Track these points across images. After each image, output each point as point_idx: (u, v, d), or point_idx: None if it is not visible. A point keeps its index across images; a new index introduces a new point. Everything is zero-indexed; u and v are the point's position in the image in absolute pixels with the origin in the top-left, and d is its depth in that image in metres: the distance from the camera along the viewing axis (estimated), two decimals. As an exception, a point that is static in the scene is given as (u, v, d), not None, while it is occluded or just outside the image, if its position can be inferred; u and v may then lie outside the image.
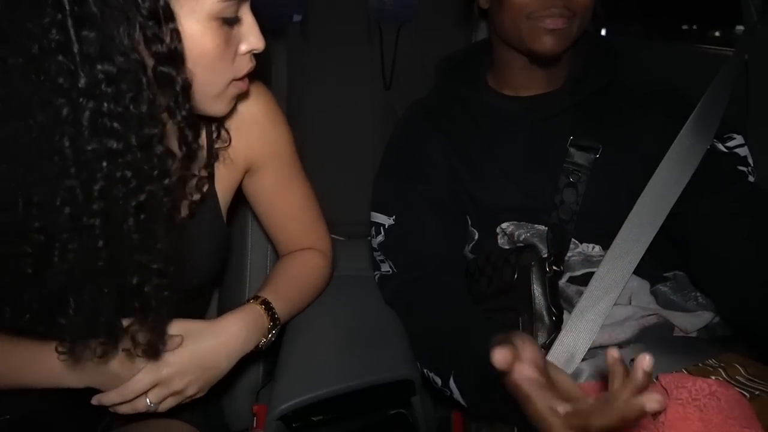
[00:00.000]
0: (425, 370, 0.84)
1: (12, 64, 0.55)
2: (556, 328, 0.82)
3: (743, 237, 0.81)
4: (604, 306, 0.80)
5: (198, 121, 0.77)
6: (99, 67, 0.55)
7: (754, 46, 1.00)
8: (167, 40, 0.58)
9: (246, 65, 0.70)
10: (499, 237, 0.93)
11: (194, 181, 0.78)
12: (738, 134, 0.88)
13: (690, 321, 0.85)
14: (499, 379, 0.56)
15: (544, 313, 0.83)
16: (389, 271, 0.96)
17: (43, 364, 0.71)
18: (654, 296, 0.88)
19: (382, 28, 1.84)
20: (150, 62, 0.59)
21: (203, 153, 0.79)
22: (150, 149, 0.59)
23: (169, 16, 0.58)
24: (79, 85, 0.54)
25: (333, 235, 1.04)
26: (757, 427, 0.67)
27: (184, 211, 0.77)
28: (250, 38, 0.68)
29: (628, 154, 0.89)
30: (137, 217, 0.59)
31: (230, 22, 0.65)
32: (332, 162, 1.72)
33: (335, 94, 1.77)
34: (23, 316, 0.67)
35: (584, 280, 0.84)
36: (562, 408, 0.51)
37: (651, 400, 0.46)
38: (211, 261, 0.84)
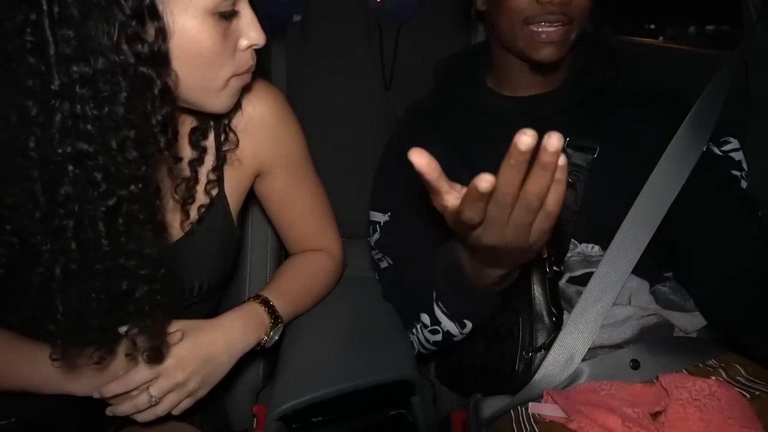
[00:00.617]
0: (416, 325, 0.85)
1: None
2: (556, 328, 0.82)
3: (729, 243, 0.82)
4: (604, 306, 0.80)
5: (206, 124, 0.77)
6: (74, 68, 0.53)
7: (754, 46, 1.00)
8: (150, 39, 0.57)
9: (247, 60, 0.69)
10: (498, 237, 0.93)
11: (202, 185, 0.77)
12: (734, 138, 0.88)
13: (690, 321, 0.85)
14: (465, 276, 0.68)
15: (544, 313, 0.83)
16: (387, 266, 0.96)
17: (41, 371, 0.72)
18: (654, 296, 0.88)
19: (382, 28, 1.83)
20: (132, 62, 0.57)
21: (211, 156, 0.79)
22: (123, 153, 0.57)
23: (155, 14, 0.57)
24: (52, 87, 0.53)
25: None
26: (757, 427, 0.68)
27: (193, 215, 0.77)
28: (250, 33, 0.67)
29: (626, 155, 0.89)
30: (108, 221, 0.58)
31: (228, 16, 0.63)
32: (332, 162, 1.72)
33: (335, 94, 1.77)
34: (14, 321, 0.67)
35: (584, 280, 0.84)
36: (451, 200, 0.58)
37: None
38: (221, 265, 0.83)
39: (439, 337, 0.83)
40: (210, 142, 0.79)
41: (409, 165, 0.96)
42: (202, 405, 0.84)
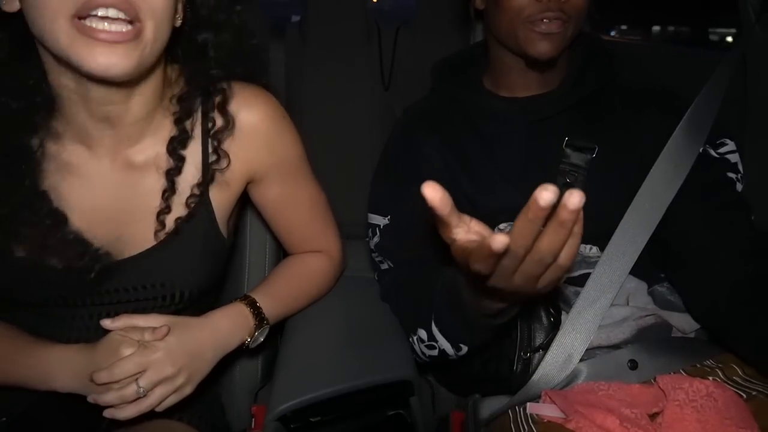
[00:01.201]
0: (413, 337, 0.85)
1: None
2: (554, 328, 0.82)
3: (720, 245, 0.82)
4: (601, 306, 0.80)
5: (185, 134, 0.76)
6: None
7: (752, 47, 1.00)
8: None
9: None
10: (497, 238, 0.93)
11: (183, 197, 0.76)
12: (731, 140, 0.88)
13: (688, 321, 0.85)
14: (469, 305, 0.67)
15: (542, 313, 0.83)
16: (387, 268, 0.96)
17: (30, 364, 0.73)
18: (652, 297, 0.88)
19: (381, 29, 1.84)
20: None
21: (194, 168, 0.77)
22: None
23: None
24: None
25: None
26: (753, 428, 0.68)
27: (169, 225, 0.76)
28: None
29: (625, 155, 0.89)
30: None
31: None
32: (330, 162, 1.72)
33: (333, 95, 1.77)
34: None
35: (582, 280, 0.84)
36: (460, 234, 0.57)
37: (496, 241, 0.49)
38: (205, 273, 0.82)
39: (435, 352, 0.83)
40: (194, 153, 0.77)
41: (407, 167, 0.97)
42: (197, 404, 0.85)
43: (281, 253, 1.03)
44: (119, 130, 0.73)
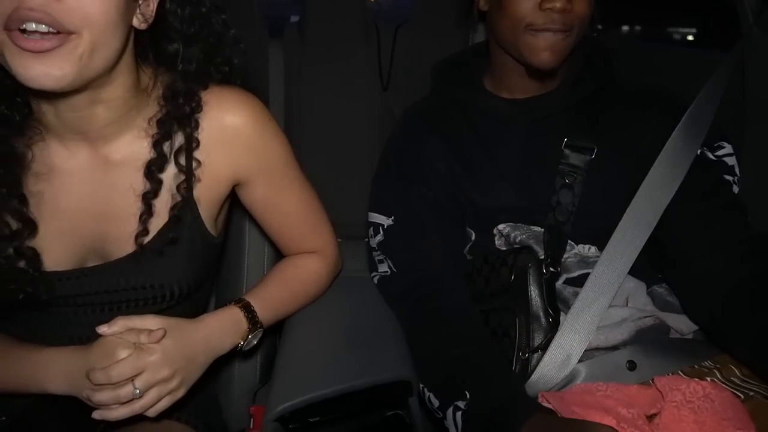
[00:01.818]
0: (423, 387, 0.83)
1: None
2: (552, 329, 0.82)
3: (715, 247, 0.82)
4: (600, 307, 0.80)
5: (162, 159, 0.75)
6: None
7: (750, 48, 1.00)
8: None
9: (9, 6, 0.58)
10: (496, 238, 0.94)
11: (165, 202, 0.76)
12: (728, 143, 0.89)
13: (686, 322, 0.85)
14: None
15: (541, 314, 0.83)
16: (388, 272, 0.96)
17: (23, 368, 0.73)
18: (651, 297, 0.88)
19: (380, 29, 1.83)
20: None
21: (177, 171, 0.76)
22: None
23: None
24: None
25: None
26: (750, 429, 0.68)
27: (152, 229, 0.76)
28: None
29: (624, 155, 0.89)
30: None
31: None
32: (329, 163, 1.72)
33: (332, 95, 1.77)
34: None
35: (581, 281, 0.85)
36: None
37: None
38: (193, 272, 0.81)
39: (438, 416, 0.80)
40: (169, 175, 0.76)
41: (409, 167, 0.97)
42: (195, 404, 0.85)
43: (280, 253, 1.03)
44: (91, 134, 0.73)
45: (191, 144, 0.77)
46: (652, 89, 0.94)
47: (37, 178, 0.74)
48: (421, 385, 0.83)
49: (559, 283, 0.88)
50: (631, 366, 0.79)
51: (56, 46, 0.60)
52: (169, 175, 0.76)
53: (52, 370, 0.73)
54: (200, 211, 0.80)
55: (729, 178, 0.87)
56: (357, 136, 1.78)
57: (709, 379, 0.76)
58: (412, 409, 0.88)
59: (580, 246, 0.90)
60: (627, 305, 0.87)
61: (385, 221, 0.96)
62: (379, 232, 0.96)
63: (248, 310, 0.83)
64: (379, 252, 0.97)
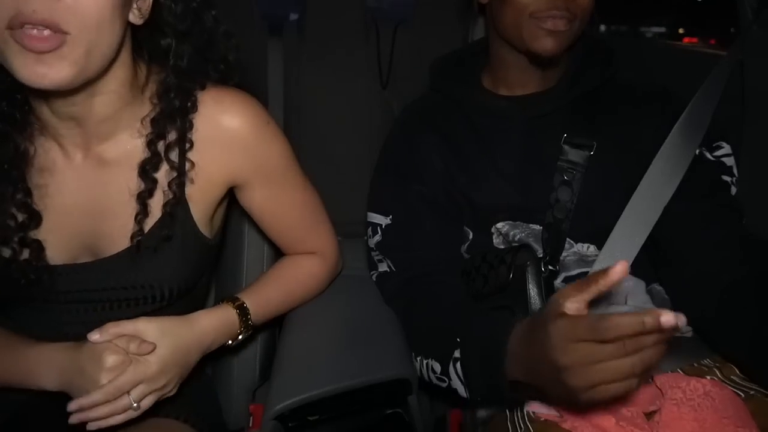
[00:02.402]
0: (423, 360, 0.84)
1: None
2: (552, 326, 0.82)
3: (711, 247, 0.82)
4: (599, 305, 0.80)
5: (157, 158, 0.75)
6: None
7: (750, 46, 1.00)
8: None
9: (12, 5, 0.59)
10: (494, 237, 0.94)
11: (158, 201, 0.76)
12: (726, 143, 0.89)
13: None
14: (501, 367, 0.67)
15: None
16: (387, 270, 0.96)
17: (16, 362, 0.73)
18: (650, 296, 0.88)
19: (379, 27, 1.83)
20: None
21: (171, 171, 0.76)
22: None
23: None
24: None
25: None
26: (751, 427, 0.68)
27: (146, 228, 0.75)
28: None
29: (623, 152, 0.89)
30: None
31: None
32: (328, 161, 1.72)
33: (331, 93, 1.77)
34: None
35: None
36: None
37: None
38: (186, 273, 0.81)
39: (443, 385, 0.81)
40: (162, 174, 0.76)
41: (407, 166, 0.97)
42: (194, 402, 0.85)
43: (280, 253, 1.03)
44: (87, 129, 0.73)
45: (184, 144, 0.76)
46: (652, 86, 0.94)
47: (36, 174, 0.75)
48: (423, 361, 0.83)
49: (557, 282, 0.88)
50: (631, 364, 0.79)
51: (55, 48, 0.61)
52: (162, 173, 0.76)
53: (46, 365, 0.73)
54: (192, 211, 0.79)
55: (727, 178, 0.87)
56: (356, 134, 1.78)
57: (709, 377, 0.76)
58: (411, 408, 0.88)
59: (579, 245, 0.90)
60: (626, 303, 0.87)
61: (383, 221, 0.96)
62: (378, 233, 0.96)
63: (242, 312, 0.83)
64: (377, 252, 0.97)
